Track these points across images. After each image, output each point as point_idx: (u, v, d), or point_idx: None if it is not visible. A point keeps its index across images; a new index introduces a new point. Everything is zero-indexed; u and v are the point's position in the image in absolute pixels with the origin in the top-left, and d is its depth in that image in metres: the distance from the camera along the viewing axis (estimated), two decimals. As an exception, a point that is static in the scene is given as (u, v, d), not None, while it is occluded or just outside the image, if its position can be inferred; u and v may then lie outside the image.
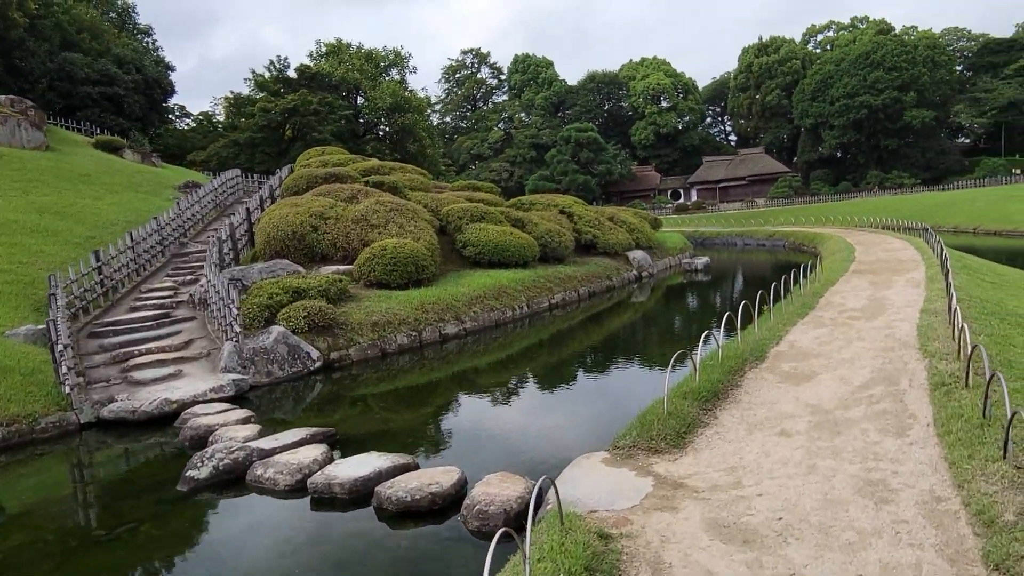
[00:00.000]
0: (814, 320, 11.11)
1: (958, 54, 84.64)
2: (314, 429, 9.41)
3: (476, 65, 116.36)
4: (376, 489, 7.06)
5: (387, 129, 55.47)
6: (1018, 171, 69.69)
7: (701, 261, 27.83)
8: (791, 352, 9.26)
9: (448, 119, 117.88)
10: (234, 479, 8.09)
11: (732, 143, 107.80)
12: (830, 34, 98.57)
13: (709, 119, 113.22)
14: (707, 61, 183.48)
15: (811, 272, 15.49)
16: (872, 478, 5.54)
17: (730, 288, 25.80)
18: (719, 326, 9.30)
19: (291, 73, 50.14)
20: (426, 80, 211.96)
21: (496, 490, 6.65)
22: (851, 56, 76.70)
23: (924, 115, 71.63)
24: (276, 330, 14.09)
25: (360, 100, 52.56)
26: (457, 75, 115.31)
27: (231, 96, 49.11)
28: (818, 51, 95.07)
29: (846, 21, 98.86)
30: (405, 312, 16.42)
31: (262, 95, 48.38)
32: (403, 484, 7.02)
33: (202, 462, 8.14)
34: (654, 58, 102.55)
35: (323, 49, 52.57)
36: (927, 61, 73.51)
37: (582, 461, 6.90)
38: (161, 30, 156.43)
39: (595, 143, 75.93)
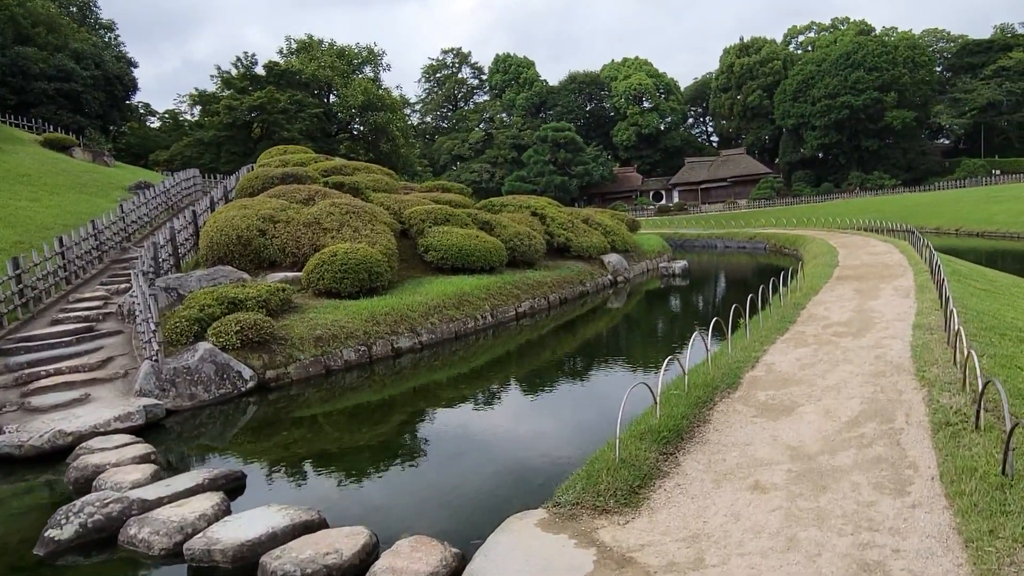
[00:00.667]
0: (795, 337, 9.94)
1: (938, 55, 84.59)
2: (216, 471, 8.08)
3: (457, 65, 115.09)
4: (262, 560, 5.75)
5: (361, 128, 53.95)
6: (998, 172, 69.56)
7: (679, 265, 26.68)
8: (769, 378, 8.06)
9: (429, 119, 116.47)
10: (105, 539, 6.75)
11: (714, 144, 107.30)
12: (811, 35, 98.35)
13: (691, 120, 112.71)
14: (689, 62, 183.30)
15: (792, 279, 14.38)
16: (867, 559, 4.33)
17: (708, 295, 24.70)
18: (690, 343, 8.09)
19: (259, 70, 48.48)
20: (409, 81, 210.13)
21: (405, 563, 5.38)
22: (832, 56, 76.27)
23: (905, 116, 71.31)
24: (203, 347, 12.71)
25: (332, 98, 50.98)
26: (438, 75, 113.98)
27: (195, 93, 47.33)
28: (799, 52, 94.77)
29: (827, 22, 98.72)
30: (354, 324, 15.07)
31: (227, 93, 46.60)
32: (295, 553, 5.73)
33: (67, 519, 6.77)
34: (636, 58, 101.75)
35: (294, 46, 50.95)
36: (907, 62, 73.25)
37: (514, 523, 5.65)
38: (141, 30, 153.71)
39: (573, 143, 74.42)
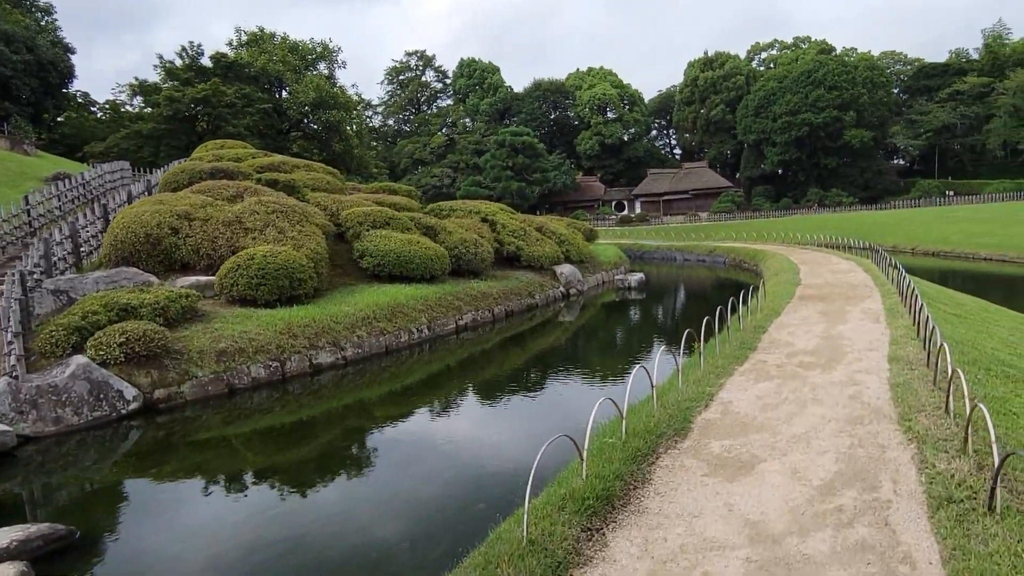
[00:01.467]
0: (756, 368, 8.60)
1: (895, 77, 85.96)
2: (32, 531, 6.35)
3: (421, 68, 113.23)
4: None
5: (316, 127, 51.83)
6: (951, 193, 70.62)
7: (635, 278, 25.43)
8: (725, 422, 6.67)
9: (391, 122, 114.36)
10: None
11: (677, 156, 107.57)
12: (774, 52, 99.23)
13: (654, 132, 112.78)
14: (655, 75, 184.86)
15: (752, 297, 13.16)
16: None
17: (664, 311, 23.50)
18: (631, 377, 6.70)
19: (206, 61, 45.95)
20: (377, 83, 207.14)
21: None
22: (794, 74, 76.77)
23: (863, 135, 72.01)
24: (76, 362, 10.87)
25: (284, 94, 48.78)
26: (401, 77, 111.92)
27: (136, 83, 44.53)
28: (762, 69, 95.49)
29: (789, 40, 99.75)
30: (265, 336, 13.34)
31: (170, 84, 44.01)
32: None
33: None
34: (601, 68, 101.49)
35: (244, 38, 48.56)
36: (866, 82, 74.08)
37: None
38: (102, 23, 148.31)
39: (531, 148, 72.70)
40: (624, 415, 6.23)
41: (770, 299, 14.72)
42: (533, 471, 4.68)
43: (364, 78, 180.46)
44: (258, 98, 45.17)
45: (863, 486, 5.11)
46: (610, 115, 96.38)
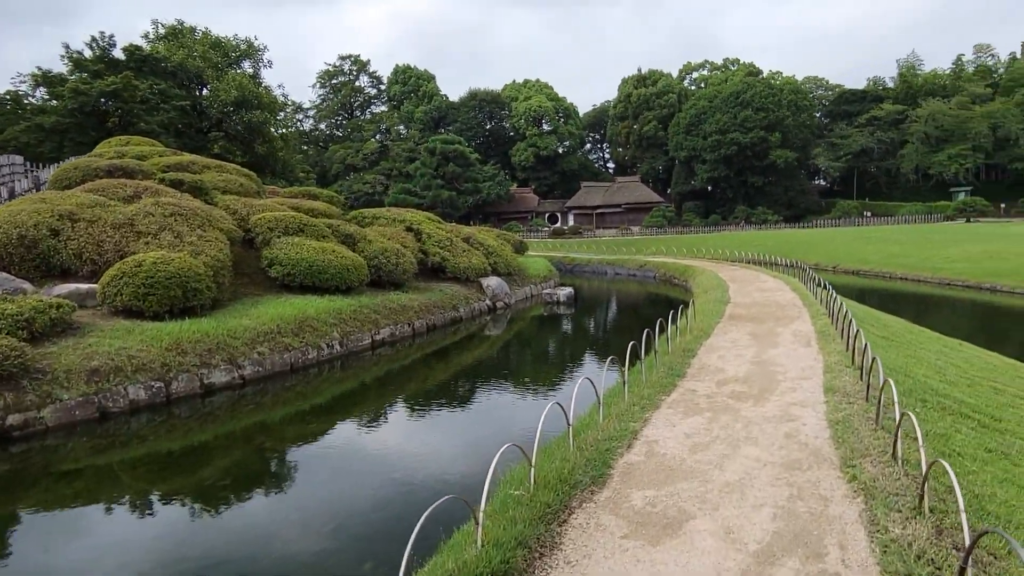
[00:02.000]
0: (685, 399, 7.85)
1: (817, 101, 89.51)
2: None
3: (355, 72, 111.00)
4: None
5: (239, 128, 49.39)
6: (869, 213, 73.74)
7: (564, 292, 24.77)
8: (649, 466, 5.84)
9: (323, 126, 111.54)
10: None
11: (610, 170, 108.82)
12: (704, 73, 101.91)
13: (589, 145, 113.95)
14: (590, 91, 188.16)
15: (682, 316, 12.57)
16: None
17: (592, 327, 22.87)
18: (544, 413, 5.80)
19: (118, 53, 42.98)
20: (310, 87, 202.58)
21: None
22: (723, 94, 78.81)
23: (787, 155, 74.46)
24: (-99, 385, 9.19)
25: (206, 92, 46.22)
26: (333, 81, 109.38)
27: (38, 73, 41.17)
28: (693, 88, 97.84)
29: (719, 62, 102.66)
30: (148, 353, 11.84)
31: (77, 76, 40.86)
32: None
33: None
34: (537, 80, 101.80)
35: (161, 31, 45.72)
36: (791, 105, 76.78)
37: None
38: (14, 15, 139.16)
39: (462, 157, 71.48)
40: (533, 461, 5.30)
41: (700, 318, 14.21)
42: (409, 551, 3.67)
43: (300, 82, 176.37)
44: (175, 95, 42.46)
45: (806, 553, 4.33)
46: (545, 127, 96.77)
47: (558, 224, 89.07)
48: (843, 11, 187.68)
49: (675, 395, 7.87)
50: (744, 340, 11.38)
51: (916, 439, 5.04)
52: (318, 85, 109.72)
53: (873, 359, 6.66)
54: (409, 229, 23.25)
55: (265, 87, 48.74)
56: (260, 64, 48.73)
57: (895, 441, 5.23)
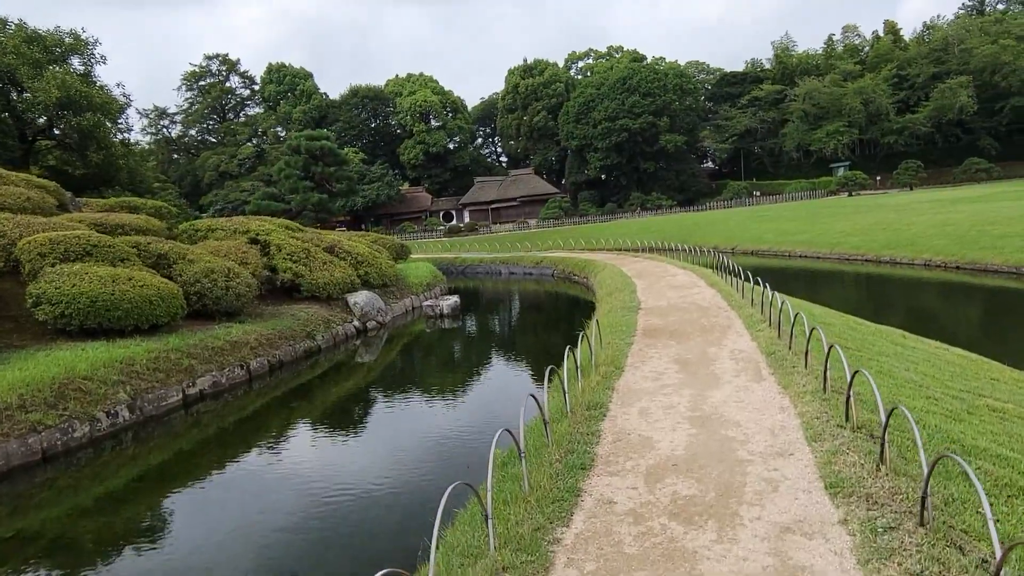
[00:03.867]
0: (596, 533, 4.47)
1: (701, 85, 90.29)
2: None
3: (224, 73, 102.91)
4: None
5: (75, 135, 42.59)
6: (758, 193, 74.67)
7: (448, 303, 21.13)
8: None
9: (193, 132, 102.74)
10: None
11: (504, 164, 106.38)
12: (589, 61, 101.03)
13: (480, 140, 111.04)
14: (478, 86, 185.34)
15: (582, 342, 9.41)
16: None
17: (478, 347, 19.22)
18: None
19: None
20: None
21: None
22: (610, 81, 77.75)
23: (676, 140, 74.26)
24: None
25: (26, 94, 39.28)
26: (201, 82, 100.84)
27: None
28: (580, 77, 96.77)
29: (603, 50, 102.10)
30: None
31: None
32: None
33: None
34: (421, 75, 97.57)
35: (-42, 23, 38.34)
36: (676, 89, 76.68)
37: None
38: None
39: (332, 154, 63.86)
40: None
41: (608, 335, 11.05)
42: None
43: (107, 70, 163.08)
44: (-21, 97, 35.51)
45: None
46: (434, 123, 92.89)
47: (454, 222, 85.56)
48: (719, 1, 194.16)
49: (578, 524, 4.46)
50: (671, 373, 8.24)
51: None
52: (184, 88, 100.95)
53: (890, 412, 3.59)
54: (254, 241, 19.02)
55: (100, 86, 42.18)
56: (93, 61, 42.08)
57: None
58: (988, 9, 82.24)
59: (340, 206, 61.91)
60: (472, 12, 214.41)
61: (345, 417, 12.40)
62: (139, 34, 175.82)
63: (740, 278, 13.75)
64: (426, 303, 21.02)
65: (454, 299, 21.13)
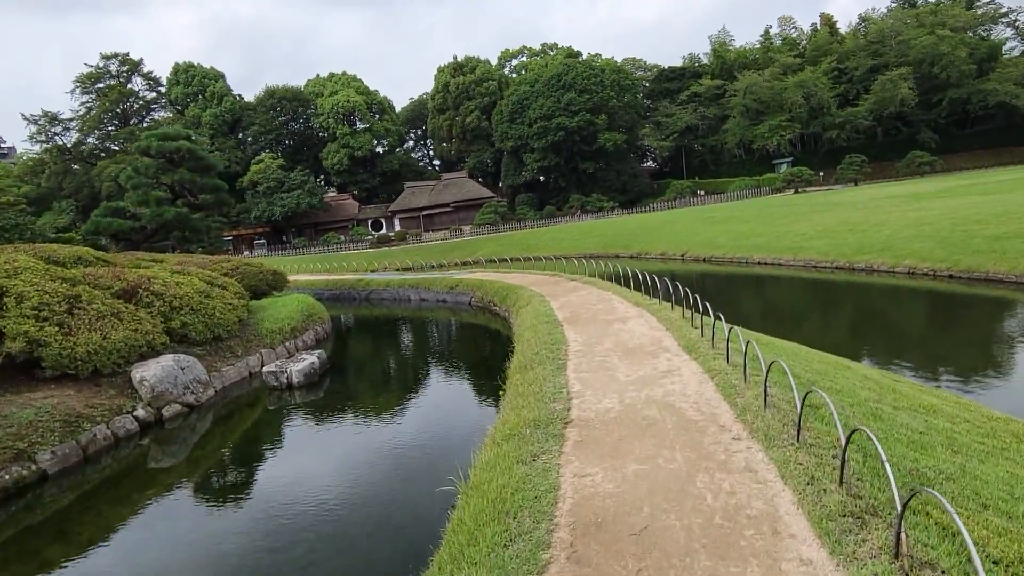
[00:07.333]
0: None
1: (639, 82, 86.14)
2: None
3: (125, 74, 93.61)
4: None
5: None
6: (702, 192, 70.74)
7: (305, 364, 14.55)
8: None
9: (92, 139, 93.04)
10: None
11: (436, 168, 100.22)
12: (523, 59, 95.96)
13: (411, 142, 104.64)
14: (414, 88, 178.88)
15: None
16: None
17: (325, 453, 12.69)
18: None
19: None
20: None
21: None
22: (545, 77, 72.91)
23: (616, 138, 69.86)
24: None
25: None
26: (98, 85, 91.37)
27: None
28: (514, 75, 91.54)
29: (537, 47, 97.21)
30: None
31: None
32: None
33: None
34: (344, 73, 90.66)
35: None
36: (614, 85, 72.39)
37: None
38: None
39: (194, 157, 47.43)
40: None
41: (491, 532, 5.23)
42: None
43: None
44: None
45: None
46: (359, 125, 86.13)
47: (383, 230, 79.05)
48: (657, 3, 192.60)
49: None
50: None
51: None
52: (78, 90, 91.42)
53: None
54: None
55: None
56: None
57: None
58: (920, 1, 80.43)
59: (206, 224, 49.46)
60: (407, 16, 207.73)
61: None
62: (64, 44, 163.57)
63: (720, 319, 8.34)
64: (268, 368, 14.50)
65: (312, 358, 14.68)
